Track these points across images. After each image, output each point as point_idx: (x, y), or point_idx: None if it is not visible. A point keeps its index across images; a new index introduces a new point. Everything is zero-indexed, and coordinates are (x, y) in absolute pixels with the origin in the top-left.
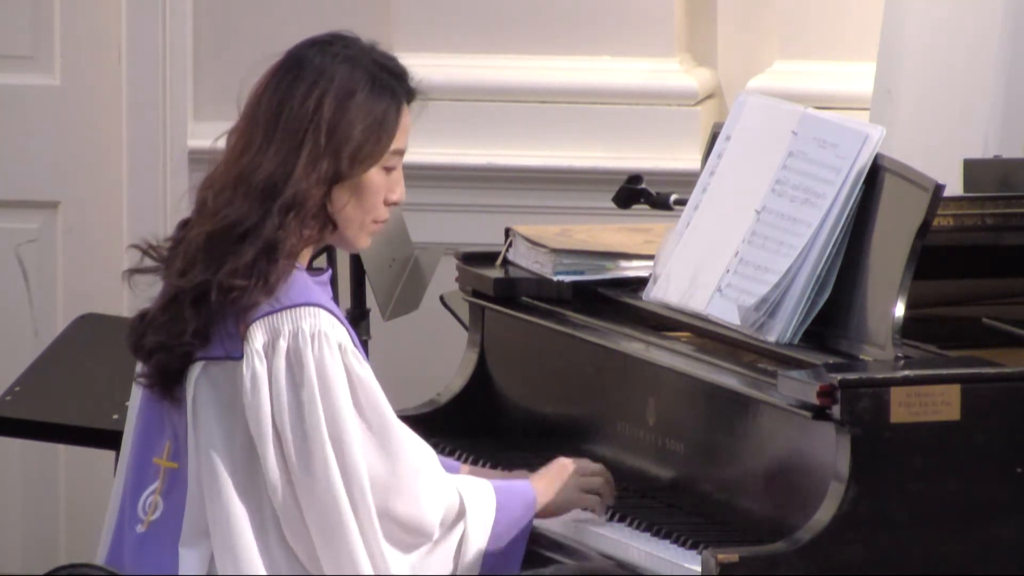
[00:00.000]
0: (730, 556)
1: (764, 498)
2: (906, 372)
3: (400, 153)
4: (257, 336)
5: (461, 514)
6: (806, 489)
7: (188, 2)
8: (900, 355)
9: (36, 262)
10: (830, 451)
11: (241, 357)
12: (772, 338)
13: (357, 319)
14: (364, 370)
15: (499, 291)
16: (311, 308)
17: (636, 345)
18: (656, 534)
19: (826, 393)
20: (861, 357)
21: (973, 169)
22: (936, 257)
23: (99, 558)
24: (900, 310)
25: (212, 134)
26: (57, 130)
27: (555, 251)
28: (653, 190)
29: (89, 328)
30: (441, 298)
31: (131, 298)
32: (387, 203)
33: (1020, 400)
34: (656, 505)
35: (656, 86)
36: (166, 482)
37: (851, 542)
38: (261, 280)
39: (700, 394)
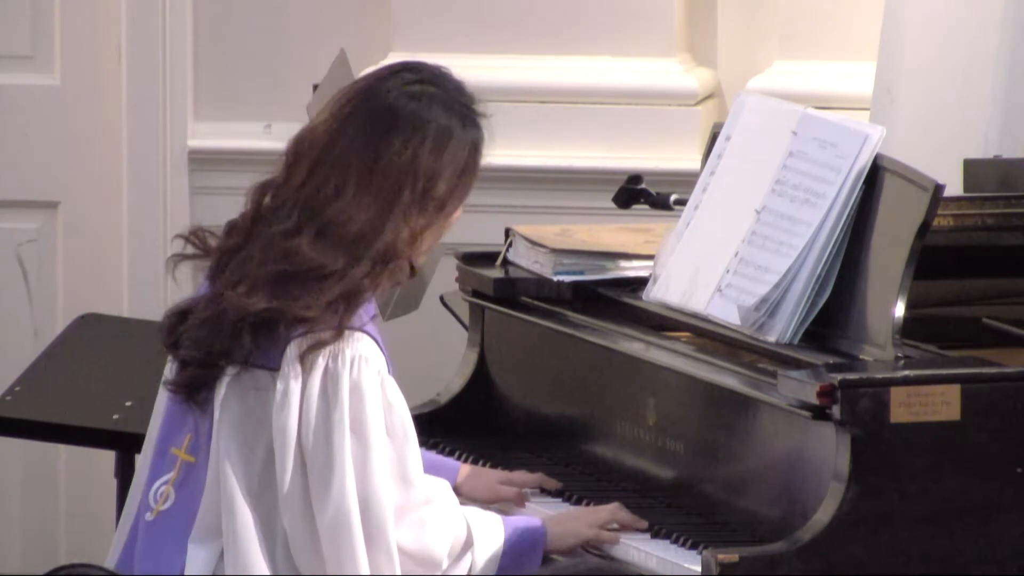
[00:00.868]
0: (730, 556)
1: (764, 498)
2: (906, 372)
3: None
4: (297, 352)
5: (468, 544)
6: (806, 489)
7: (188, 2)
8: (900, 355)
9: (36, 262)
10: (830, 451)
11: (273, 367)
12: (772, 338)
13: None
14: (397, 398)
15: (499, 291)
16: (355, 333)
17: (636, 345)
18: (656, 534)
19: (826, 393)
20: (861, 357)
21: (973, 169)
22: (936, 257)
23: (114, 545)
24: (900, 310)
25: (212, 134)
26: (57, 130)
27: (555, 251)
28: (653, 190)
29: (89, 328)
30: (441, 298)
31: (131, 298)
32: None
33: (1020, 400)
34: (656, 505)
35: (656, 86)
36: (181, 473)
37: (851, 542)
38: (336, 319)
39: (700, 394)
